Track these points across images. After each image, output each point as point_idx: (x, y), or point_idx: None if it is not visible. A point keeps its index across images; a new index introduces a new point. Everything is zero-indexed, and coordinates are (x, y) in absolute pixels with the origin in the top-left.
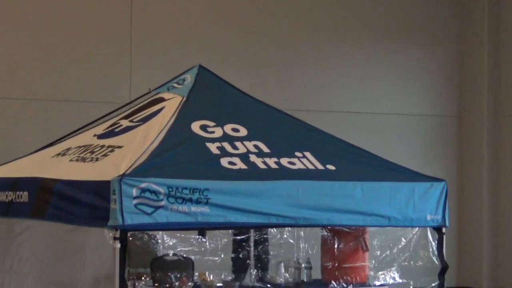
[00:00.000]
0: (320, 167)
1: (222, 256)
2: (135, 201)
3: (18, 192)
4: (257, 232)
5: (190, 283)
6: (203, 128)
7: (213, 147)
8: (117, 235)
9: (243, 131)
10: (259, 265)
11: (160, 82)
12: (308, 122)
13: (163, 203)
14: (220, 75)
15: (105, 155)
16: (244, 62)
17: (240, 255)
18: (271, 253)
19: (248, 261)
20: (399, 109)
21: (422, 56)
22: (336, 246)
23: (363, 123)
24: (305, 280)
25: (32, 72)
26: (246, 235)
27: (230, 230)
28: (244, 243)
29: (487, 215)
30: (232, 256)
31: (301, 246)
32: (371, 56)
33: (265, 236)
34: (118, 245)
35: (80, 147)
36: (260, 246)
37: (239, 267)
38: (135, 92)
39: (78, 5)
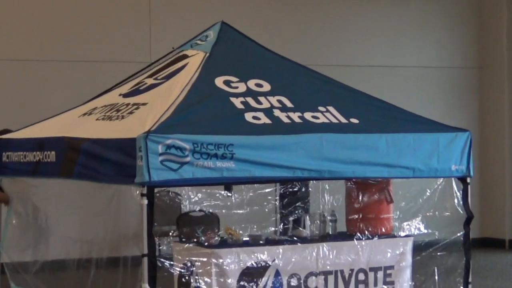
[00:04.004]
0: (343, 120)
1: (248, 210)
2: (161, 158)
3: (45, 152)
4: (282, 186)
5: (216, 237)
6: (227, 83)
7: (237, 102)
8: (144, 191)
9: (266, 86)
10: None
11: (179, 42)
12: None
13: (188, 159)
14: (242, 31)
15: (131, 112)
16: (266, 18)
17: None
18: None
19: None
20: (419, 62)
21: (441, 8)
22: (360, 198)
23: (383, 76)
24: (330, 232)
25: (52, 34)
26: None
27: (256, 185)
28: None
29: (509, 165)
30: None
31: (326, 199)
32: (390, 10)
33: (290, 189)
34: (146, 201)
35: (105, 106)
36: (286, 200)
37: None
38: (155, 51)
39: None
